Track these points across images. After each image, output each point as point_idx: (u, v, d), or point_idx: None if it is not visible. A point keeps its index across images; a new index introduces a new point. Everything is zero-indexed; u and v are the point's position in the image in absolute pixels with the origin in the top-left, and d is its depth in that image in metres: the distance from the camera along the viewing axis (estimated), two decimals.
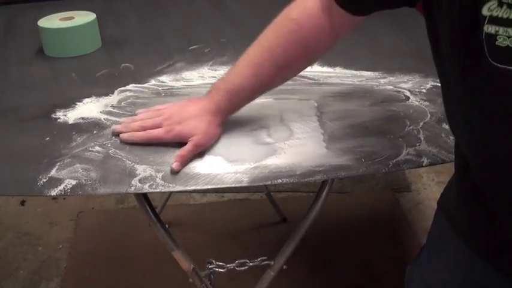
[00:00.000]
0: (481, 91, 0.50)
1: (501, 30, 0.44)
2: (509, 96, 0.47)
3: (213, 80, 0.99)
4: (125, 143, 0.78)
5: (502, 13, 0.44)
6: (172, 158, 0.75)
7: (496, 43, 0.45)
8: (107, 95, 0.94)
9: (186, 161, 0.74)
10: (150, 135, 0.77)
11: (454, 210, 0.67)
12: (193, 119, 0.77)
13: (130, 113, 0.88)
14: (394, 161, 0.77)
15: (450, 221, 0.68)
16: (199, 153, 0.77)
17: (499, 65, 0.45)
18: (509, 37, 0.44)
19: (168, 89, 0.97)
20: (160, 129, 0.77)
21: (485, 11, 0.45)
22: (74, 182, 0.71)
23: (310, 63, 0.80)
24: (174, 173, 0.73)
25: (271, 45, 0.75)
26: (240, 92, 0.77)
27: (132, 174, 0.73)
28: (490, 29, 0.45)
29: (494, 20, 0.44)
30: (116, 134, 0.80)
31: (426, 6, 0.56)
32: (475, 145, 0.56)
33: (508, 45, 0.44)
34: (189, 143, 0.75)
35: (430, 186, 2.06)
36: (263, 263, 0.97)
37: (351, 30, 0.74)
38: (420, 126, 0.84)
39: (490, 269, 0.61)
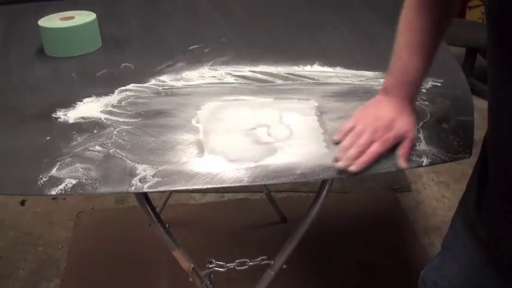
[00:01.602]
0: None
1: None
2: None
3: (213, 80, 1.00)
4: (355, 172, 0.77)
5: None
6: (173, 157, 0.75)
7: None
8: (107, 94, 0.94)
9: (409, 156, 0.77)
10: (373, 156, 0.76)
11: (474, 219, 0.67)
12: (397, 119, 0.79)
13: (130, 112, 0.88)
14: (394, 161, 0.77)
15: (466, 226, 0.68)
16: (200, 152, 0.77)
17: None
18: None
19: (168, 88, 0.97)
20: (377, 144, 0.77)
21: None
22: (74, 182, 0.71)
23: (446, 31, 0.81)
24: (404, 170, 0.75)
25: (420, 25, 0.77)
26: (415, 80, 0.80)
27: (132, 173, 0.73)
28: None
29: None
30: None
31: None
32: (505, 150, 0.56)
33: None
34: (406, 140, 0.78)
35: (430, 186, 2.06)
36: (263, 263, 0.97)
37: None
38: (420, 126, 0.84)
39: (503, 278, 0.61)
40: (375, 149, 0.76)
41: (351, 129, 0.80)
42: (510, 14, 0.50)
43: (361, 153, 0.76)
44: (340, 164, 0.76)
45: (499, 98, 0.57)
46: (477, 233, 0.65)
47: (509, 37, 0.52)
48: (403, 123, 0.79)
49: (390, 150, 0.78)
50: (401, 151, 0.77)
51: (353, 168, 0.75)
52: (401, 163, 0.76)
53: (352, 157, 0.76)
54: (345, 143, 0.79)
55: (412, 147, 0.79)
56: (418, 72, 0.79)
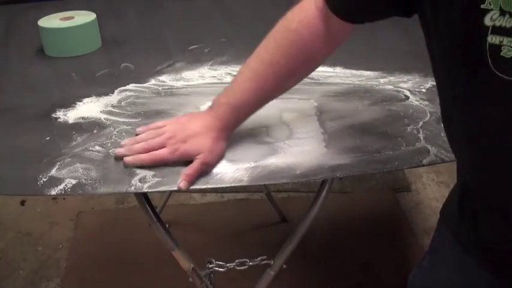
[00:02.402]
0: (482, 102, 0.49)
1: (505, 40, 0.43)
2: (508, 106, 0.46)
3: (213, 80, 1.00)
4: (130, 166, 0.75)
5: (506, 22, 0.42)
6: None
7: (501, 53, 0.43)
8: (107, 94, 0.94)
9: (194, 179, 0.72)
10: (155, 157, 0.74)
11: (457, 224, 0.66)
12: (198, 136, 0.74)
13: (130, 112, 0.88)
14: (394, 160, 0.77)
15: (453, 233, 0.67)
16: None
17: (505, 76, 0.44)
18: None
19: (168, 88, 0.97)
20: (164, 149, 0.74)
21: (487, 21, 0.43)
22: (74, 182, 0.71)
23: (312, 71, 0.79)
24: (182, 191, 0.71)
25: (273, 58, 0.73)
26: (245, 106, 0.75)
27: (132, 173, 0.73)
28: (494, 39, 0.43)
29: (498, 30, 0.43)
30: (120, 158, 0.75)
31: (422, 19, 0.55)
32: (475, 160, 0.55)
33: None
34: (195, 161, 0.73)
35: (430, 186, 2.06)
36: (263, 263, 0.97)
37: (350, 35, 0.73)
38: (420, 125, 0.84)
39: (495, 281, 0.61)
40: (158, 153, 0.74)
41: (158, 127, 0.78)
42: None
43: (146, 150, 0.74)
44: (120, 150, 0.75)
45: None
46: (462, 237, 0.65)
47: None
48: (200, 143, 0.74)
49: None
50: (186, 170, 0.72)
51: (128, 159, 0.74)
52: (181, 182, 0.71)
53: (135, 150, 0.75)
54: (140, 135, 0.78)
55: (200, 170, 0.72)
56: (249, 100, 0.75)
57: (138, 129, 0.81)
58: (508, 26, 0.42)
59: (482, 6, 0.43)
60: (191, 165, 0.73)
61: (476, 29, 0.44)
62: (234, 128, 0.78)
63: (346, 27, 0.69)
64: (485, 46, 0.44)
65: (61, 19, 1.13)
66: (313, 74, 1.00)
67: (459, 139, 0.57)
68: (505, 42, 0.43)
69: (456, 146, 0.60)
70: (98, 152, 0.77)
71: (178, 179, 0.71)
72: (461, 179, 0.64)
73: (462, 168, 0.62)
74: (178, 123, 0.78)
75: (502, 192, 0.54)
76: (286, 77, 0.75)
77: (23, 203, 1.99)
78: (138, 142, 0.76)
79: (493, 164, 0.53)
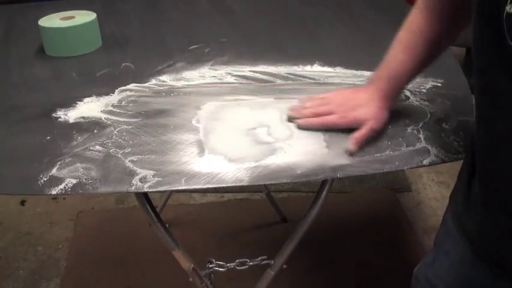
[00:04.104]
0: (500, 77, 0.49)
1: None
2: None
3: (214, 80, 1.00)
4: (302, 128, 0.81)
5: None
6: (173, 157, 0.75)
7: None
8: (107, 94, 0.94)
9: (362, 144, 0.77)
10: (325, 122, 0.80)
11: (462, 212, 0.67)
12: (365, 105, 0.79)
13: (130, 112, 0.88)
14: (394, 160, 0.77)
15: (457, 223, 0.68)
16: (200, 151, 0.77)
17: None
18: None
19: (169, 88, 0.97)
20: (334, 115, 0.80)
21: None
22: (74, 181, 0.71)
23: (454, 39, 0.80)
24: (350, 154, 0.76)
25: (419, 26, 0.77)
26: (399, 76, 0.79)
27: (132, 173, 0.73)
28: None
29: None
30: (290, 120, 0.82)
31: None
32: (484, 141, 0.56)
33: None
34: (364, 127, 0.77)
35: (430, 186, 2.06)
36: (263, 263, 0.97)
37: None
38: (420, 126, 0.84)
39: (493, 273, 0.61)
40: (329, 118, 0.79)
41: (323, 97, 0.84)
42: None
43: (316, 115, 0.80)
44: (291, 113, 0.82)
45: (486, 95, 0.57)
46: (465, 228, 0.66)
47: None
48: (369, 111, 0.79)
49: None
50: (355, 134, 0.77)
51: (300, 121, 0.80)
52: (349, 145, 0.76)
53: (305, 114, 0.81)
54: (308, 103, 0.84)
55: (369, 136, 0.77)
56: (403, 70, 0.79)
57: (304, 100, 0.86)
58: None
59: None
60: (360, 130, 0.77)
61: None
62: (395, 98, 0.82)
63: None
64: (503, 16, 0.45)
65: (61, 19, 1.13)
66: (314, 74, 1.01)
67: (476, 118, 0.58)
68: None
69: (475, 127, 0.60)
70: (99, 151, 0.77)
71: (348, 144, 0.76)
72: (470, 168, 0.65)
73: (475, 154, 0.62)
74: (342, 95, 0.85)
75: (504, 180, 0.54)
76: (433, 42, 0.77)
77: (23, 203, 1.99)
78: (307, 108, 0.82)
79: (501, 148, 0.53)
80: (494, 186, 0.57)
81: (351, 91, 0.85)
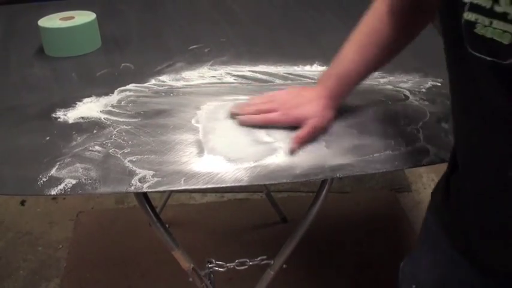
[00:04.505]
0: (462, 81, 0.51)
1: (480, 18, 0.43)
2: (484, 87, 0.47)
3: (213, 80, 1.00)
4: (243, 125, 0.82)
5: (482, 1, 0.43)
6: (173, 157, 0.75)
7: (475, 31, 0.44)
8: (107, 94, 0.94)
9: (304, 143, 0.77)
10: (267, 119, 0.80)
11: (442, 206, 0.68)
12: (309, 103, 0.79)
13: (130, 112, 0.88)
14: (394, 160, 0.77)
15: (438, 218, 0.68)
16: (199, 151, 0.77)
17: (476, 54, 0.45)
18: (485, 26, 0.43)
19: (168, 88, 0.97)
20: (277, 113, 0.80)
21: None
22: (74, 182, 0.71)
23: (412, 38, 0.80)
24: (291, 153, 0.75)
25: (372, 27, 0.77)
26: (348, 75, 0.79)
27: (132, 173, 0.73)
28: (469, 16, 0.44)
29: (475, 8, 0.44)
30: (233, 117, 0.83)
31: None
32: (460, 143, 0.57)
33: (483, 35, 0.43)
34: (306, 125, 0.77)
35: (430, 186, 2.06)
36: (263, 262, 0.97)
37: None
38: (420, 125, 0.84)
39: (474, 268, 0.61)
40: (271, 115, 0.80)
41: (270, 95, 0.85)
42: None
43: (259, 112, 0.81)
44: (234, 110, 0.83)
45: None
46: (444, 222, 0.66)
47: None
48: (312, 109, 0.79)
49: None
50: (298, 133, 0.77)
51: (241, 118, 0.81)
52: (290, 143, 0.76)
53: (247, 111, 0.82)
54: (253, 100, 0.85)
55: (311, 134, 0.77)
56: (353, 70, 0.79)
57: (250, 98, 0.87)
58: (483, 4, 0.43)
59: None
60: (302, 128, 0.77)
61: (455, 4, 0.46)
62: (340, 98, 0.82)
63: None
64: (461, 23, 0.45)
65: (61, 19, 1.13)
66: (313, 74, 1.01)
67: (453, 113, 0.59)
68: (479, 20, 0.43)
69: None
70: (98, 152, 0.77)
71: (289, 143, 0.76)
72: (451, 162, 0.65)
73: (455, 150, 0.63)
74: (290, 92, 0.85)
75: (478, 175, 0.55)
76: (385, 45, 0.77)
77: (23, 203, 1.99)
78: (251, 106, 0.83)
79: (475, 147, 0.54)
80: (468, 178, 0.58)
81: (298, 89, 0.86)
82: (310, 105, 0.79)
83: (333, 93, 0.80)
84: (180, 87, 0.97)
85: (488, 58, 0.44)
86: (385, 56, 0.79)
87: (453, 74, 0.54)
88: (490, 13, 0.43)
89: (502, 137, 0.49)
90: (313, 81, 0.98)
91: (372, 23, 0.77)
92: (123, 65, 1.07)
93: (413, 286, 0.73)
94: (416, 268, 0.75)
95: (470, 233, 0.60)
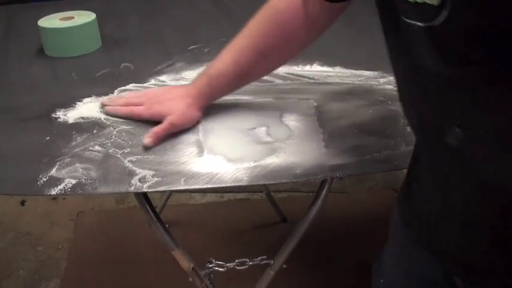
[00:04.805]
0: (399, 50, 0.51)
1: None
2: (420, 54, 0.46)
3: None
4: (109, 115, 0.85)
5: None
6: (172, 157, 0.75)
7: None
8: (106, 94, 0.94)
9: (160, 138, 0.78)
10: (132, 111, 0.83)
11: (402, 203, 0.68)
12: (173, 100, 0.81)
13: None
14: (394, 160, 0.77)
15: (399, 211, 0.68)
16: (199, 151, 0.77)
17: (409, 21, 0.44)
18: None
19: None
20: (142, 106, 0.82)
21: None
22: (74, 182, 0.71)
23: (293, 54, 0.82)
24: (146, 148, 0.77)
25: (251, 32, 0.78)
26: (220, 76, 0.80)
27: (132, 173, 0.73)
28: None
29: None
30: (102, 107, 0.87)
31: None
32: (407, 112, 0.58)
33: (415, 1, 0.42)
34: (164, 121, 0.78)
35: None
36: (263, 262, 0.97)
37: (333, 21, 0.76)
38: None
39: (432, 258, 0.61)
40: (136, 108, 0.83)
41: (140, 92, 0.90)
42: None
43: (127, 105, 0.84)
44: (105, 101, 0.87)
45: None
46: (405, 216, 0.66)
47: None
48: (174, 106, 0.80)
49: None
50: (154, 128, 0.78)
51: (108, 108, 0.85)
52: (145, 139, 0.77)
53: (117, 103, 0.86)
54: (124, 95, 0.91)
55: (167, 130, 0.78)
56: (225, 72, 0.79)
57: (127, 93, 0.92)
58: None
59: None
60: (159, 124, 0.78)
61: None
62: (210, 98, 0.83)
63: (324, 8, 0.72)
64: None
65: (61, 19, 1.13)
66: (313, 74, 1.01)
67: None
68: None
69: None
70: (98, 152, 0.77)
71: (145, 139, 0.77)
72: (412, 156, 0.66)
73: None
74: (162, 89, 0.88)
75: (425, 146, 0.56)
76: (263, 52, 0.78)
77: (23, 203, 1.99)
78: (122, 98, 0.87)
79: (417, 116, 0.55)
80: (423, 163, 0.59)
81: (172, 87, 0.90)
82: (174, 102, 0.80)
83: (202, 93, 0.81)
84: None
85: (421, 24, 0.43)
86: (258, 65, 0.80)
87: (390, 44, 0.53)
88: None
89: (439, 105, 0.49)
90: (313, 81, 0.98)
91: (251, 28, 0.78)
92: (123, 65, 1.07)
93: (381, 280, 0.77)
94: (385, 261, 0.76)
95: (428, 221, 0.60)
